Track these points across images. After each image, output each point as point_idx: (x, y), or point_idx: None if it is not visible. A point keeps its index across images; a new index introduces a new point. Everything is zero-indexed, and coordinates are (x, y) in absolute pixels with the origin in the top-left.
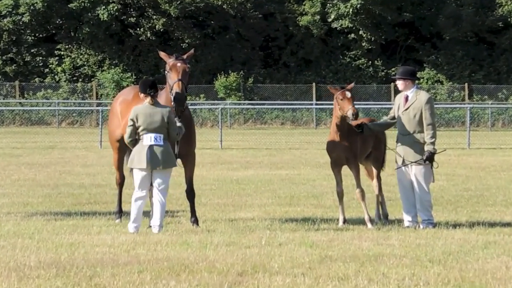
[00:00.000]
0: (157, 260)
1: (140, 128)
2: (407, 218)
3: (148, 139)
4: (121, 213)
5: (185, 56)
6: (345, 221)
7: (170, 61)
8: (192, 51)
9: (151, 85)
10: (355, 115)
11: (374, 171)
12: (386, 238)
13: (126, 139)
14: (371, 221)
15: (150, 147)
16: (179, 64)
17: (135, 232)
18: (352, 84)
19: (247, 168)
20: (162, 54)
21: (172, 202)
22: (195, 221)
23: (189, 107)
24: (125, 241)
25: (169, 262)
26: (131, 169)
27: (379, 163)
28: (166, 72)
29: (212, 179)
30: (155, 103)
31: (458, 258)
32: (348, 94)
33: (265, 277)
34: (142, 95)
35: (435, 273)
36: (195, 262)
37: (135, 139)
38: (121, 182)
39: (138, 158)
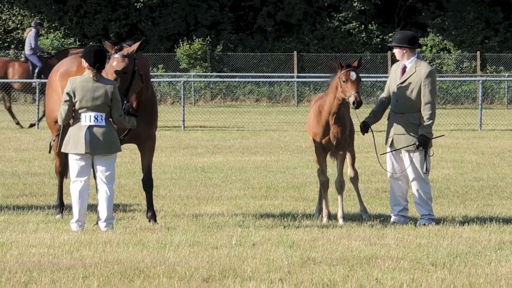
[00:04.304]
0: (105, 263)
1: (78, 105)
2: (393, 212)
3: (87, 118)
4: (62, 207)
5: (125, 52)
6: (330, 216)
7: (111, 57)
8: (138, 43)
9: (99, 57)
10: (357, 104)
11: (349, 158)
12: (381, 237)
13: (62, 119)
14: (344, 217)
15: (90, 128)
16: (115, 64)
17: (79, 230)
18: (357, 62)
19: (214, 153)
20: (107, 45)
21: (125, 194)
22: (152, 216)
23: None
24: (68, 241)
25: (120, 266)
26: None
27: (353, 147)
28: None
29: (173, 167)
30: (98, 74)
31: (467, 261)
32: (353, 76)
33: (235, 283)
34: (85, 64)
35: (438, 278)
36: (151, 265)
37: (72, 117)
38: (61, 171)
39: (74, 141)
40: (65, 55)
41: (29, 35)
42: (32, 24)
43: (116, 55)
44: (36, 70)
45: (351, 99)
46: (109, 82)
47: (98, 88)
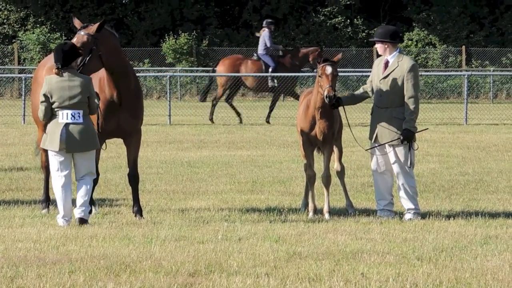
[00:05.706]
0: (92, 258)
1: (56, 104)
2: (379, 206)
3: (64, 116)
4: (48, 201)
5: (87, 30)
6: (316, 210)
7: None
8: (97, 24)
9: (64, 55)
10: (329, 98)
11: (337, 152)
12: (367, 231)
13: (42, 119)
14: (330, 212)
15: (66, 125)
16: (74, 39)
17: (65, 225)
18: (339, 56)
19: (200, 148)
20: (76, 22)
21: (111, 188)
22: (138, 211)
23: None
24: (54, 236)
25: (106, 261)
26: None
27: (340, 142)
28: None
29: (159, 161)
30: (72, 72)
31: (453, 256)
32: (328, 70)
33: (221, 278)
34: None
35: (424, 273)
36: (137, 260)
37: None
38: (47, 165)
39: (51, 138)
40: (297, 53)
41: (263, 35)
42: (264, 24)
43: (79, 32)
44: (270, 70)
45: (324, 93)
46: (84, 77)
47: (74, 86)
